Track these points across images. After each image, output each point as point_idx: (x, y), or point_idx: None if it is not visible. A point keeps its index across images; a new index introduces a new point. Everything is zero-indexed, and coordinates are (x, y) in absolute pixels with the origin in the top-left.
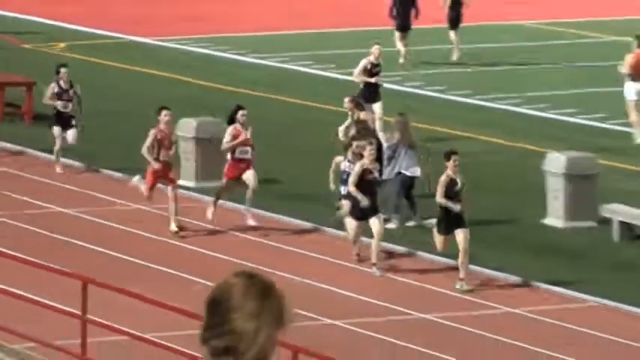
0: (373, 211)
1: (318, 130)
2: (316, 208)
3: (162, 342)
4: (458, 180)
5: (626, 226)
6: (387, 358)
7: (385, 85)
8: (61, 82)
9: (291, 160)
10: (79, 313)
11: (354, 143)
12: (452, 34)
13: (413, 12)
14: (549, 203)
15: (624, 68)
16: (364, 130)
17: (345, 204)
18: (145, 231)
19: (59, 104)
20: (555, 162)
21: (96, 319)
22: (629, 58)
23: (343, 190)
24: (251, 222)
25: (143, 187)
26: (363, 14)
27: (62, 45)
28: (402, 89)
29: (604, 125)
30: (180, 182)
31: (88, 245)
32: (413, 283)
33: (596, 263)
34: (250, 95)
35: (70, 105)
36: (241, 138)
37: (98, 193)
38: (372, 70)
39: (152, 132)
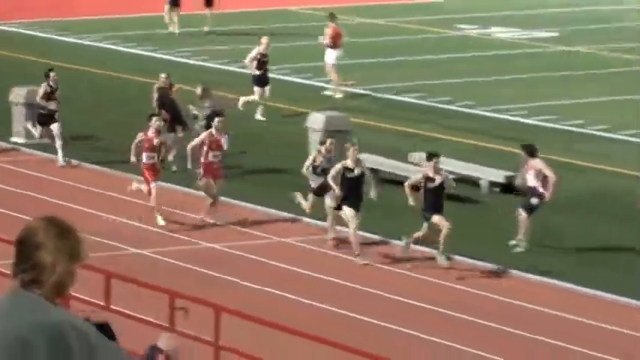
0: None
1: (131, 98)
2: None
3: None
4: (436, 178)
5: (372, 171)
6: (174, 277)
7: (176, 58)
8: (52, 83)
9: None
10: None
11: (328, 140)
12: (207, 12)
13: None
14: (311, 154)
15: (324, 39)
16: (163, 95)
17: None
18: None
19: (50, 104)
20: (316, 120)
21: None
22: (328, 31)
23: (313, 183)
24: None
25: (143, 187)
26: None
27: None
28: (189, 62)
29: (353, 90)
30: (13, 139)
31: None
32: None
33: None
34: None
35: (55, 103)
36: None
37: None
38: (261, 60)
39: (140, 135)
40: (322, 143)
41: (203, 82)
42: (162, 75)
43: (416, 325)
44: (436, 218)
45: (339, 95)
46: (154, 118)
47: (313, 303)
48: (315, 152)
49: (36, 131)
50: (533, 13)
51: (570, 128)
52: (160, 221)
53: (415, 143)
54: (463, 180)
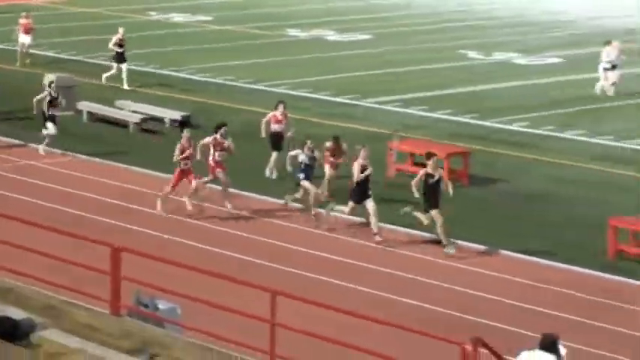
0: (367, 195)
1: None
2: None
3: None
4: (435, 174)
5: (90, 114)
6: None
7: None
8: (52, 93)
9: None
10: None
11: (308, 141)
12: None
13: None
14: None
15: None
16: None
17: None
18: None
19: (52, 109)
20: (48, 78)
21: None
22: (22, 22)
23: (302, 177)
24: (228, 205)
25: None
26: None
27: None
28: None
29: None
30: None
31: None
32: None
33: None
34: None
35: (58, 108)
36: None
37: None
38: (120, 43)
39: (178, 145)
40: (304, 144)
41: None
42: None
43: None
44: (434, 212)
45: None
46: (185, 130)
47: (77, 212)
48: (299, 150)
49: (47, 130)
50: (197, 3)
51: (226, 82)
52: (159, 208)
53: (119, 94)
54: (154, 118)
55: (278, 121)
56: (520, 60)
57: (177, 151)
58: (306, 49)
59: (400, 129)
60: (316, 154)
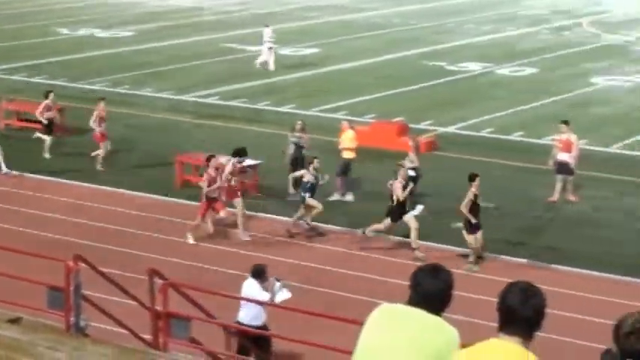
0: (405, 213)
1: None
2: None
3: None
4: (479, 194)
5: None
6: None
7: None
8: None
9: None
10: None
11: (315, 160)
12: None
13: None
14: None
15: None
16: None
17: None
18: None
19: None
20: None
21: None
22: None
23: (307, 196)
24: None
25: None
26: None
27: None
28: None
29: None
30: None
31: None
32: None
33: None
34: None
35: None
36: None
37: None
38: None
39: (205, 176)
40: (310, 163)
41: None
42: None
43: None
44: (479, 233)
45: None
46: (212, 160)
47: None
48: (305, 171)
49: None
50: None
51: None
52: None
53: None
54: None
55: (50, 108)
56: (101, 34)
57: (205, 182)
58: None
59: (8, 92)
60: (320, 174)
